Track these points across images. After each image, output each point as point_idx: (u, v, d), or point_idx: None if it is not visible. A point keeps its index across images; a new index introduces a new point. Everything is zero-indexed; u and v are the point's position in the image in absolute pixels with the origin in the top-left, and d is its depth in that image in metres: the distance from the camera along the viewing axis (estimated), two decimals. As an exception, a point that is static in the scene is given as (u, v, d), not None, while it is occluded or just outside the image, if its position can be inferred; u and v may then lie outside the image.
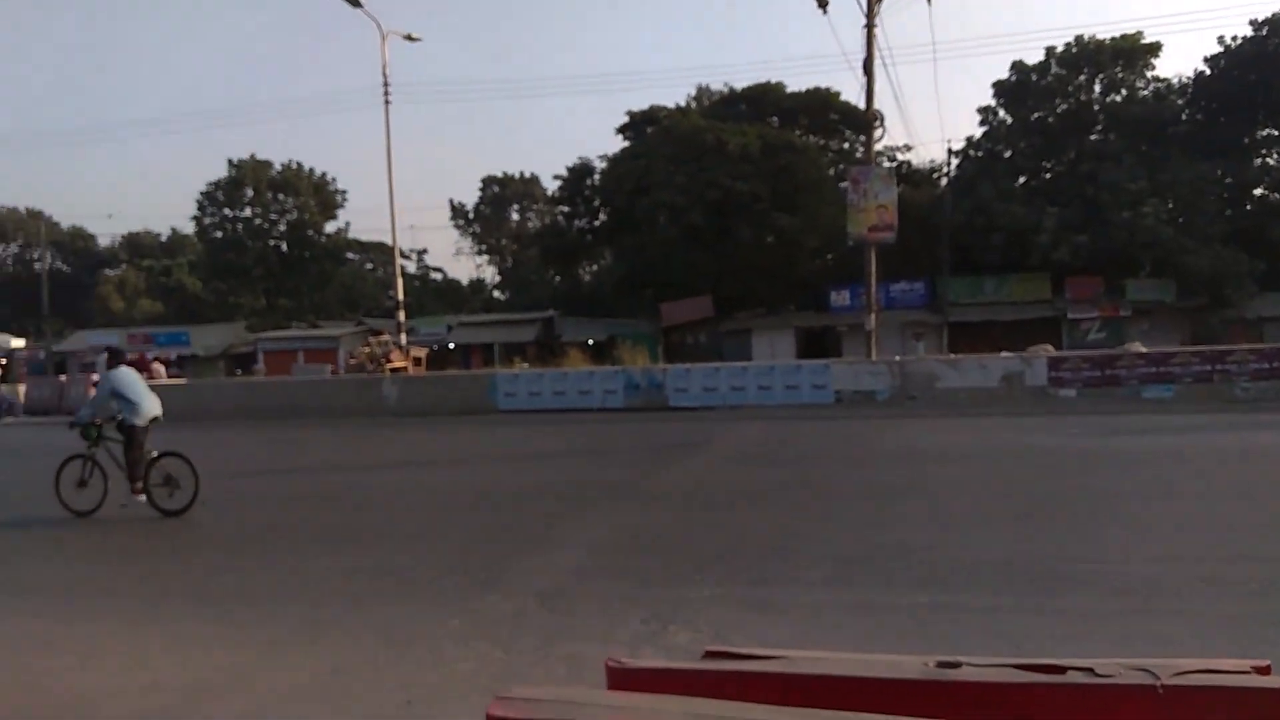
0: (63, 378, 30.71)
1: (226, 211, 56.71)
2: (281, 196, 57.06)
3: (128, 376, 9.60)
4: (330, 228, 59.07)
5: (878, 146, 24.00)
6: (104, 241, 71.10)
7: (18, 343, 48.87)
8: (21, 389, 27.11)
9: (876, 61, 21.44)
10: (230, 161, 56.23)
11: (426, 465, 13.00)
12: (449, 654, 4.58)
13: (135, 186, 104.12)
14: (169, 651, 4.87)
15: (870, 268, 21.64)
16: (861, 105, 22.53)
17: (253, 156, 56.82)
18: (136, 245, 68.86)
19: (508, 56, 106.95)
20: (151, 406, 9.51)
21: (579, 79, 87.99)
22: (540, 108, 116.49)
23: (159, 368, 25.93)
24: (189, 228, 60.92)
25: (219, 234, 56.86)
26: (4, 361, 46.24)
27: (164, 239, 68.74)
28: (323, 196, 58.28)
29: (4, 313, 64.29)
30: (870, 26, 21.26)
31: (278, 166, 57.20)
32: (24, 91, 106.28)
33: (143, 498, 9.21)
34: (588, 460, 12.98)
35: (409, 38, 24.72)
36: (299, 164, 57.84)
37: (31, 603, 6.09)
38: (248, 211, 56.84)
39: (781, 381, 18.95)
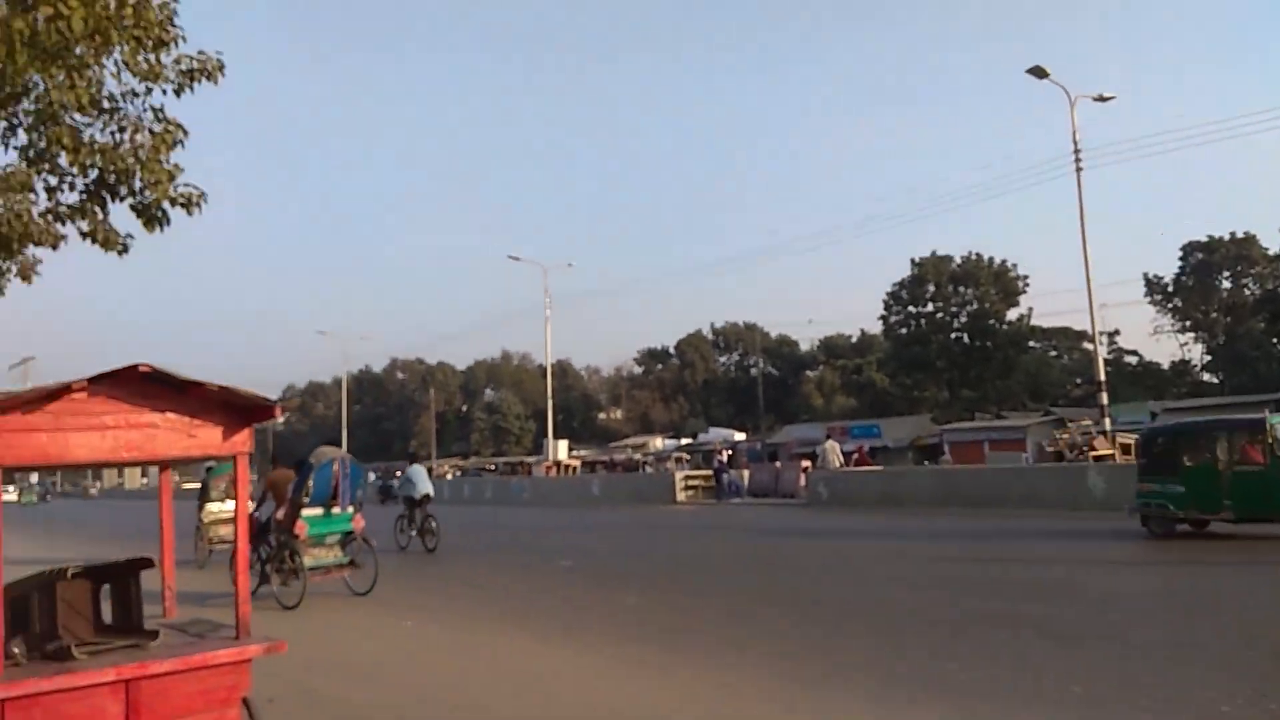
0: (777, 464, 34.75)
1: (910, 309, 59.47)
2: (962, 289, 57.87)
3: (417, 471, 16.37)
4: (1012, 315, 57.81)
5: None
6: (804, 346, 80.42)
7: (740, 436, 57.19)
8: (745, 474, 31.30)
9: None
10: (913, 260, 59.19)
11: (1164, 565, 11.07)
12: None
13: (830, 293, 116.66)
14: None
15: None
16: None
17: (933, 253, 58.98)
18: (831, 347, 76.28)
19: (1209, 100, 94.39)
20: (424, 487, 15.84)
21: (1308, 115, 72.48)
22: (1255, 151, 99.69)
23: (833, 444, 27.10)
24: (876, 327, 65.38)
25: (903, 330, 59.77)
26: (730, 451, 54.55)
27: (854, 340, 74.88)
28: (1003, 284, 57.50)
29: (728, 410, 76.47)
30: None
31: (958, 259, 58.35)
32: (739, 217, 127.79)
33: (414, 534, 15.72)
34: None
35: (1100, 98, 23.01)
36: (978, 254, 58.23)
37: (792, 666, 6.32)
38: (930, 307, 58.82)
39: None
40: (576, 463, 42.42)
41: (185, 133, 10.85)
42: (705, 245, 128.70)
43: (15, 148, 10.50)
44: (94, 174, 10.61)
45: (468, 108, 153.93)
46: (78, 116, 10.37)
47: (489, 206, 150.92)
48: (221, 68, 10.73)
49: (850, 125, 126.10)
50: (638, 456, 53.82)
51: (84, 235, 11.78)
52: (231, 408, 3.63)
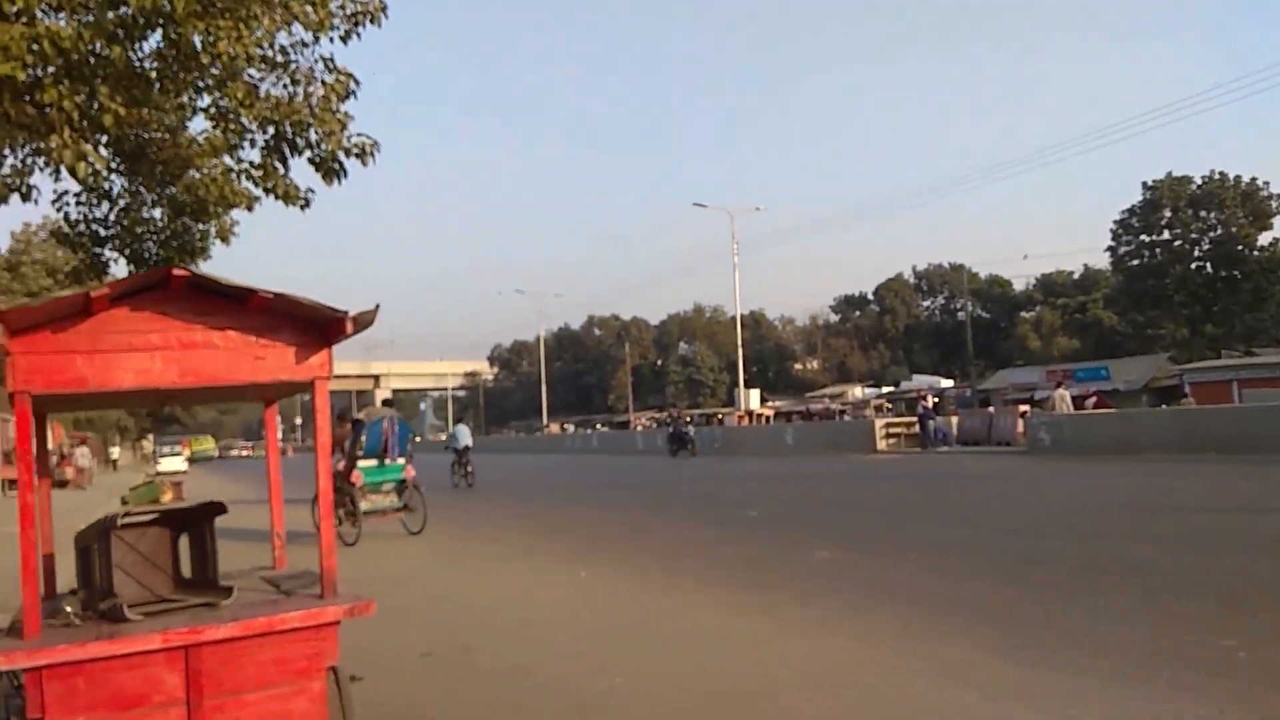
0: (990, 410, 32.28)
1: (1143, 238, 53.60)
2: (1204, 213, 51.43)
3: (461, 429, 21.91)
4: (1264, 239, 50.82)
5: None
6: (1019, 285, 74.60)
7: (946, 383, 53.94)
8: (954, 421, 29.20)
9: None
10: (1145, 184, 53.14)
11: None
12: None
13: (1047, 226, 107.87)
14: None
15: None
16: None
17: (1169, 174, 52.67)
18: (1050, 285, 70.30)
19: None
20: (464, 440, 20.92)
21: None
22: None
23: (1063, 393, 24.16)
24: (1102, 261, 59.57)
25: (1135, 262, 54.03)
26: (937, 399, 51.67)
27: (1076, 276, 68.63)
28: (1253, 205, 50.58)
29: (933, 357, 72.43)
30: None
31: (1198, 180, 51.84)
32: (939, 145, 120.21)
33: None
34: None
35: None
36: (1222, 173, 51.44)
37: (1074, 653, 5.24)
38: (1166, 234, 52.74)
39: None
40: (769, 412, 41.33)
41: (357, 82, 10.69)
42: (903, 179, 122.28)
43: (199, 109, 10.72)
44: (271, 130, 10.69)
45: (655, 51, 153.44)
46: (253, 73, 10.42)
47: (675, 154, 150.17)
48: (384, 9, 10.45)
49: (1068, 34, 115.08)
50: (835, 406, 52.00)
51: (266, 191, 11.97)
52: (304, 325, 3.03)
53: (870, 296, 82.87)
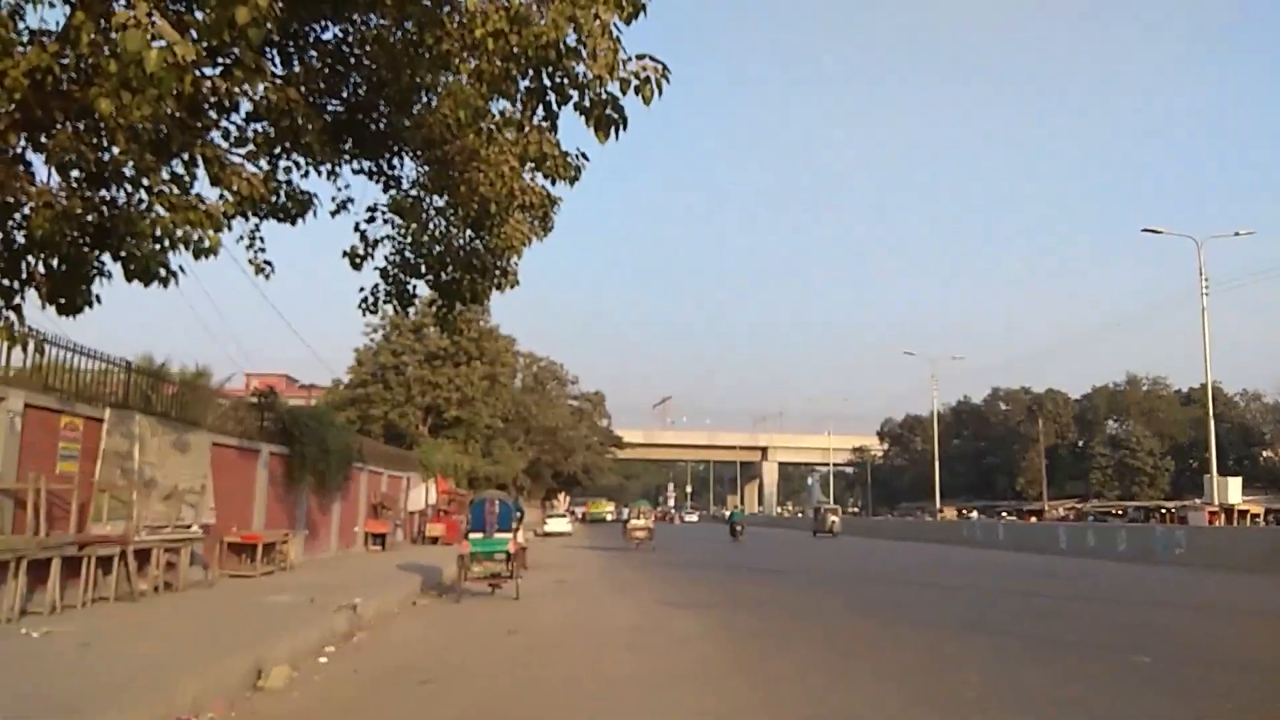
0: None
1: None
2: None
3: (737, 513, 39.76)
4: None
5: None
6: None
7: None
8: None
9: None
10: None
11: None
12: None
13: None
14: None
15: None
16: None
17: None
18: None
19: None
20: (735, 519, 36.91)
21: None
22: None
23: None
24: None
25: None
26: None
27: None
28: None
29: None
30: None
31: None
32: None
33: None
34: None
35: None
36: None
37: None
38: None
39: None
40: (1256, 509, 30.73)
41: (639, -13, 7.05)
42: None
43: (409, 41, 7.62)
44: (530, 71, 7.38)
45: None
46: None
47: (1111, 177, 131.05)
48: None
49: None
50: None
51: (523, 161, 8.65)
52: None
53: (1382, 365, 64.17)
